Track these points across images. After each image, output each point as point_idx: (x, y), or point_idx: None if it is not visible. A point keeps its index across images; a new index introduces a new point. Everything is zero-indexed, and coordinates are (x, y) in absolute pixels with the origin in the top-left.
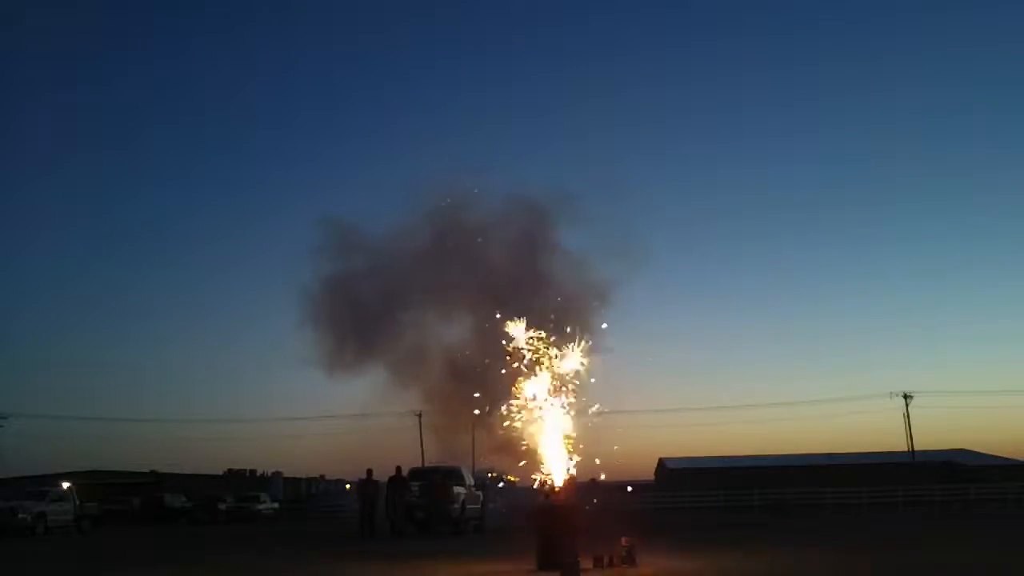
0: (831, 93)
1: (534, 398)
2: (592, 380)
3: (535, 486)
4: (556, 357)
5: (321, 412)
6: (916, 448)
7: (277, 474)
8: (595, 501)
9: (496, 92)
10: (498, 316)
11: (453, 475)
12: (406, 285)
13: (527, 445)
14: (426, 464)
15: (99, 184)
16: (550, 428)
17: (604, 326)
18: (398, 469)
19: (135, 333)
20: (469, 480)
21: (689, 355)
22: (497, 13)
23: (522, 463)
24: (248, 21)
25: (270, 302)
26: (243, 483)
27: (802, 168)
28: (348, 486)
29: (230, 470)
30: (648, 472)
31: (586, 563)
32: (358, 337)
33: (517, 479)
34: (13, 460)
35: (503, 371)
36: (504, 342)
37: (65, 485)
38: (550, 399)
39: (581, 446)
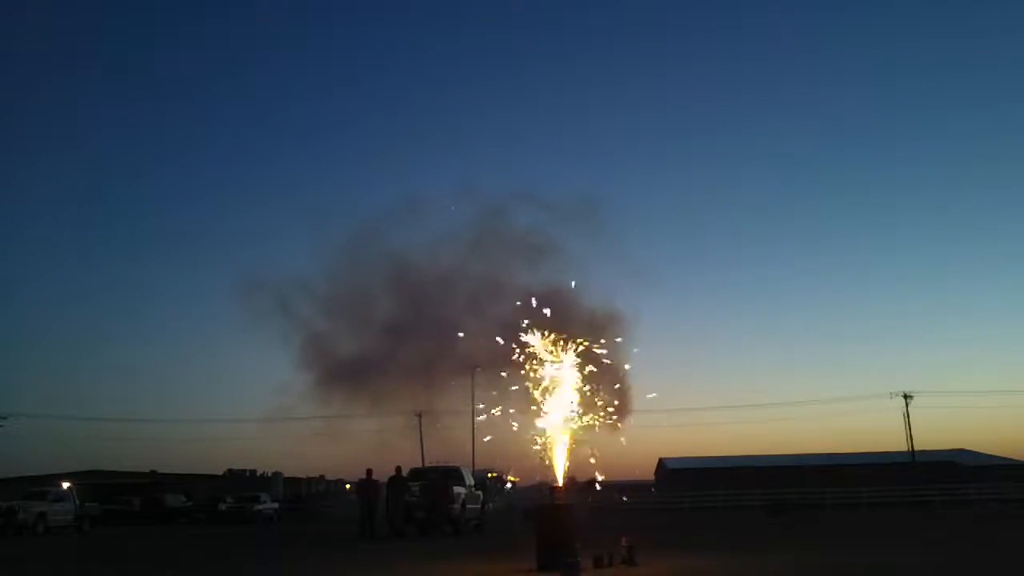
0: (832, 96)
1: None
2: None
3: (537, 486)
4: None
5: (321, 412)
6: (916, 448)
7: (277, 474)
8: (598, 493)
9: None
10: (525, 324)
11: (453, 475)
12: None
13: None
14: (426, 464)
15: (102, 185)
16: (556, 429)
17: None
18: (398, 469)
19: (136, 333)
20: (469, 480)
21: (690, 355)
22: (494, 12)
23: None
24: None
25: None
26: (243, 483)
27: (802, 170)
28: (348, 486)
29: (230, 470)
30: (648, 472)
31: (586, 563)
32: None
33: (518, 479)
34: (13, 460)
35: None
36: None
37: (65, 485)
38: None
39: (593, 452)
